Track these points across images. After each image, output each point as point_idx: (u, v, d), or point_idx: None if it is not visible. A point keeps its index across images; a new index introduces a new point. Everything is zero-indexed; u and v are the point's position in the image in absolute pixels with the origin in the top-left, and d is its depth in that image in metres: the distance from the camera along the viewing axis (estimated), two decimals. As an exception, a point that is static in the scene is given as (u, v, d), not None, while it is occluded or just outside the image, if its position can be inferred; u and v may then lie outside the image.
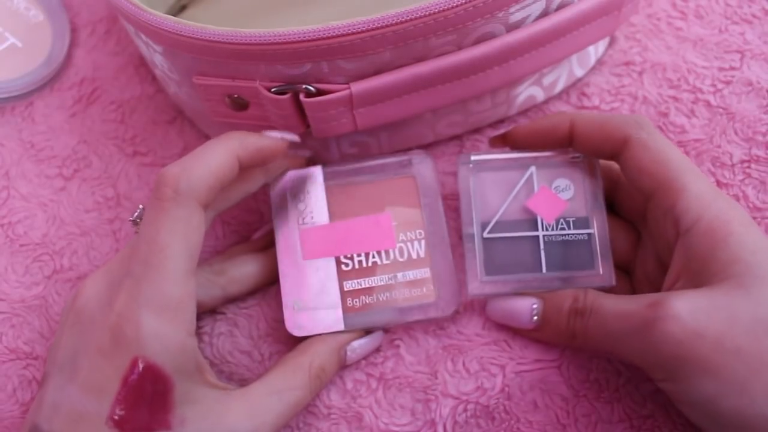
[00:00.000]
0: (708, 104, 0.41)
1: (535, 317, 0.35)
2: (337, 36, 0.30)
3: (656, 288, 0.34)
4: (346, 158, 0.40)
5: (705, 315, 0.29)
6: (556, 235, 0.36)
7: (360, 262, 0.37)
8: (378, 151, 0.40)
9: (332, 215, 0.37)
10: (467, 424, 0.36)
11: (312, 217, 0.37)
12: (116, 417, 0.29)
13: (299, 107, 0.34)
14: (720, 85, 0.41)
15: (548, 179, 0.37)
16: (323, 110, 0.33)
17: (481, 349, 0.37)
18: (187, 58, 0.33)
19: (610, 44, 0.43)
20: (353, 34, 0.30)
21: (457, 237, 0.39)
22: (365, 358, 0.37)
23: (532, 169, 0.37)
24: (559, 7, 0.34)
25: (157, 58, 0.35)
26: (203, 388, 0.31)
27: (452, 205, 0.40)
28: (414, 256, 0.37)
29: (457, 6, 0.30)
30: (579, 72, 0.42)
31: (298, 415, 0.36)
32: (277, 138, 0.35)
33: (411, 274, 0.37)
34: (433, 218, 0.37)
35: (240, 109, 0.35)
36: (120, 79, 0.45)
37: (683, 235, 0.31)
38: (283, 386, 0.33)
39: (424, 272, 0.37)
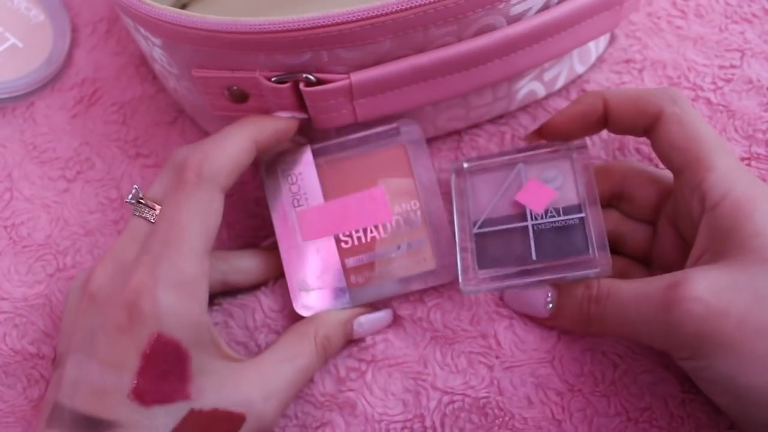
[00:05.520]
0: (708, 102, 0.41)
1: (550, 305, 0.35)
2: (337, 24, 0.30)
3: None
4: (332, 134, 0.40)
5: (728, 293, 0.29)
6: (545, 222, 0.36)
7: (359, 238, 0.37)
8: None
9: (326, 194, 0.37)
10: (459, 419, 0.35)
11: (306, 199, 0.37)
12: (137, 390, 0.30)
13: (299, 97, 0.34)
14: (720, 83, 0.41)
15: (538, 173, 0.37)
16: (323, 100, 0.33)
17: (468, 343, 0.37)
18: (186, 50, 0.33)
19: (611, 42, 0.43)
20: (353, 22, 0.30)
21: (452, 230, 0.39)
22: (357, 343, 0.37)
23: (520, 165, 0.37)
24: (561, 1, 0.34)
25: (156, 52, 0.35)
26: (218, 360, 0.32)
27: (448, 197, 0.39)
28: (411, 226, 0.37)
29: (457, -5, 0.31)
30: (580, 68, 0.42)
31: (296, 402, 0.36)
32: (288, 117, 0.35)
33: (410, 245, 0.37)
34: (426, 186, 0.37)
35: (239, 102, 0.35)
36: (121, 80, 0.45)
37: (709, 211, 0.31)
38: (291, 353, 0.34)
39: (422, 242, 0.37)
